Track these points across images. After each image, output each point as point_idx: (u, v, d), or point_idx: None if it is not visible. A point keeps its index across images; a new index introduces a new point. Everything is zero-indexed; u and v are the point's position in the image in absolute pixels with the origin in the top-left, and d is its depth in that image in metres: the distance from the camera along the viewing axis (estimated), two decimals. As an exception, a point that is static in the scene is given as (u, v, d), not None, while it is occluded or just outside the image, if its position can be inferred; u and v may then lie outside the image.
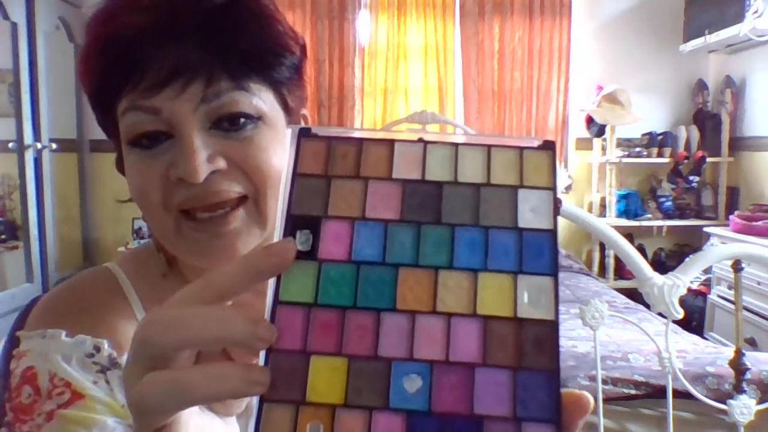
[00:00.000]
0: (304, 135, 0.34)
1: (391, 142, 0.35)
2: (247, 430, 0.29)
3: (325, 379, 0.30)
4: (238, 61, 0.54)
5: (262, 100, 0.56)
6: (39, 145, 3.13)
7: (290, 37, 0.58)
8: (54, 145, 3.23)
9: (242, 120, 0.54)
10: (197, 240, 0.55)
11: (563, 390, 0.29)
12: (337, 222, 0.33)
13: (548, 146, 0.34)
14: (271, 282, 0.31)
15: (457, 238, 0.32)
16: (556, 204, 0.33)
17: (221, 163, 0.54)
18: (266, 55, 0.56)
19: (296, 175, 0.34)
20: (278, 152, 0.56)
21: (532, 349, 0.30)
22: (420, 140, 0.35)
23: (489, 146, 0.34)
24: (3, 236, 3.22)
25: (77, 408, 0.53)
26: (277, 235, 0.32)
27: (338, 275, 0.32)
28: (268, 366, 0.30)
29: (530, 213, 0.33)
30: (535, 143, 0.34)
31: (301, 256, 0.32)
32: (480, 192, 0.33)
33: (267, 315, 0.30)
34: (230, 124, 0.54)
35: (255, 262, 0.30)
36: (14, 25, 3.02)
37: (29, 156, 3.09)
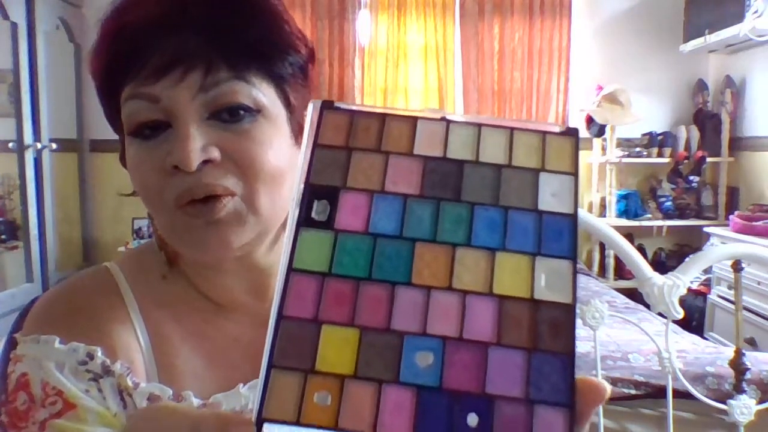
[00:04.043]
0: (326, 107, 0.35)
1: (413, 119, 0.35)
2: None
3: (336, 349, 0.29)
4: (238, 52, 0.54)
5: (262, 93, 0.55)
6: (39, 145, 3.13)
7: (297, 37, 0.58)
8: (54, 145, 3.23)
9: (241, 112, 0.54)
10: (192, 227, 0.55)
11: (578, 375, 0.29)
12: (356, 194, 0.33)
13: (571, 132, 0.35)
14: (285, 249, 0.31)
15: (476, 217, 0.32)
16: (577, 189, 0.33)
17: (215, 153, 0.53)
18: (268, 49, 0.56)
19: (316, 145, 0.34)
20: (275, 147, 0.56)
21: (548, 332, 0.30)
22: (443, 119, 0.35)
23: (511, 129, 0.34)
24: (3, 236, 3.22)
25: (68, 418, 0.52)
26: (294, 204, 0.32)
27: (354, 246, 0.31)
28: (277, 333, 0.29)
29: (551, 197, 0.33)
30: (557, 129, 0.35)
31: (317, 225, 0.32)
32: (501, 173, 0.33)
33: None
34: (229, 115, 0.54)
35: None
36: (14, 25, 3.02)
37: (29, 156, 3.09)
